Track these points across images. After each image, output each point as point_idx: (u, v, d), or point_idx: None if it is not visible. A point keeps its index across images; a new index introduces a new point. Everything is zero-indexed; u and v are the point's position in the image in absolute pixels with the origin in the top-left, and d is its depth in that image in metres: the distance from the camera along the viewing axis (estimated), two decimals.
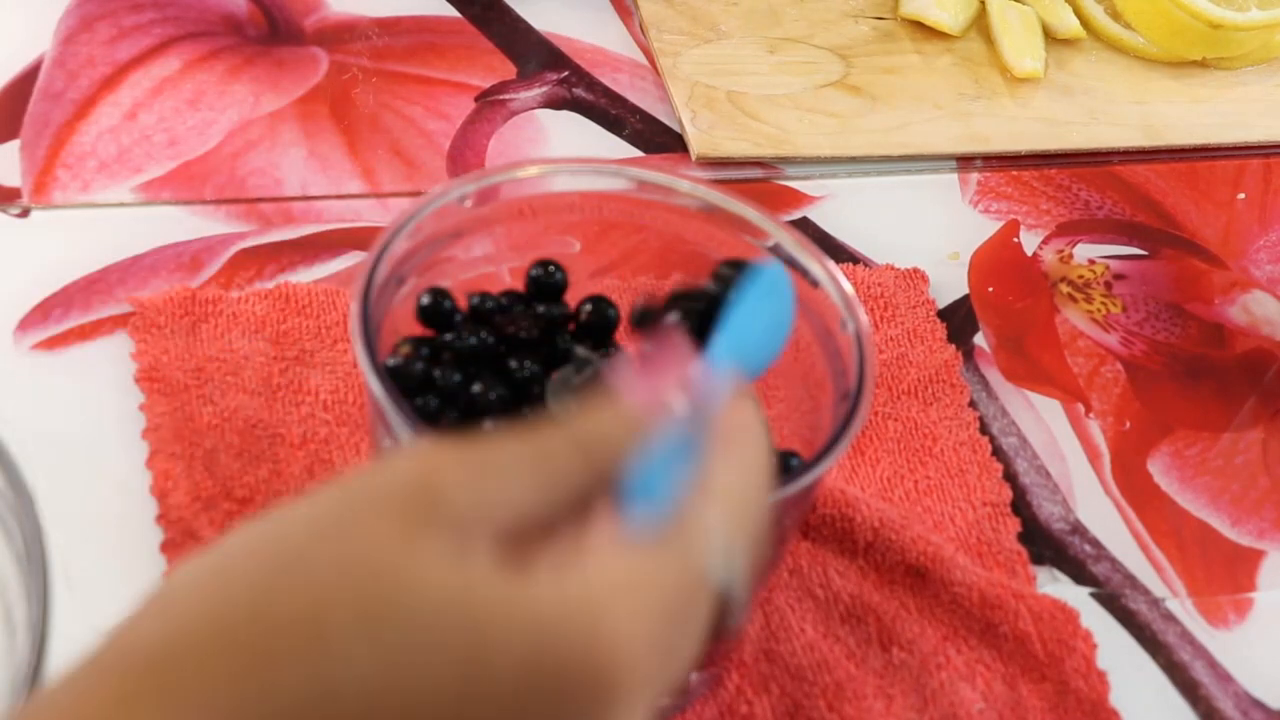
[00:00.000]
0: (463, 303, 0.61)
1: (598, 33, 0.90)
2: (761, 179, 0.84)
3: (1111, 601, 0.69)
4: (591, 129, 0.85)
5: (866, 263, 0.80)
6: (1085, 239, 0.83)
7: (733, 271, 0.54)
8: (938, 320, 0.78)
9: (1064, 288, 0.81)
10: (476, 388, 0.58)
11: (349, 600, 0.39)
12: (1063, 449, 0.74)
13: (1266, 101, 0.91)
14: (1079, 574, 0.70)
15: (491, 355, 0.59)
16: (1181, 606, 0.69)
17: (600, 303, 0.61)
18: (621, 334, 0.62)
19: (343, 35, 0.88)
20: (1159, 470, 0.74)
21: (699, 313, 0.52)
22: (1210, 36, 0.91)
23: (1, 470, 0.57)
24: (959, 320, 0.78)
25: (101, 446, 0.68)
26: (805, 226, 0.81)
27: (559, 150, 0.83)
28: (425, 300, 0.60)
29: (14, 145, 0.79)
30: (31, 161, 0.79)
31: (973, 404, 0.75)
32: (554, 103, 0.86)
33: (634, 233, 0.64)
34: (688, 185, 0.63)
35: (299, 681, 0.38)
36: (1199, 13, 0.90)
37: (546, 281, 0.62)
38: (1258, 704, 0.67)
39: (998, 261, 0.82)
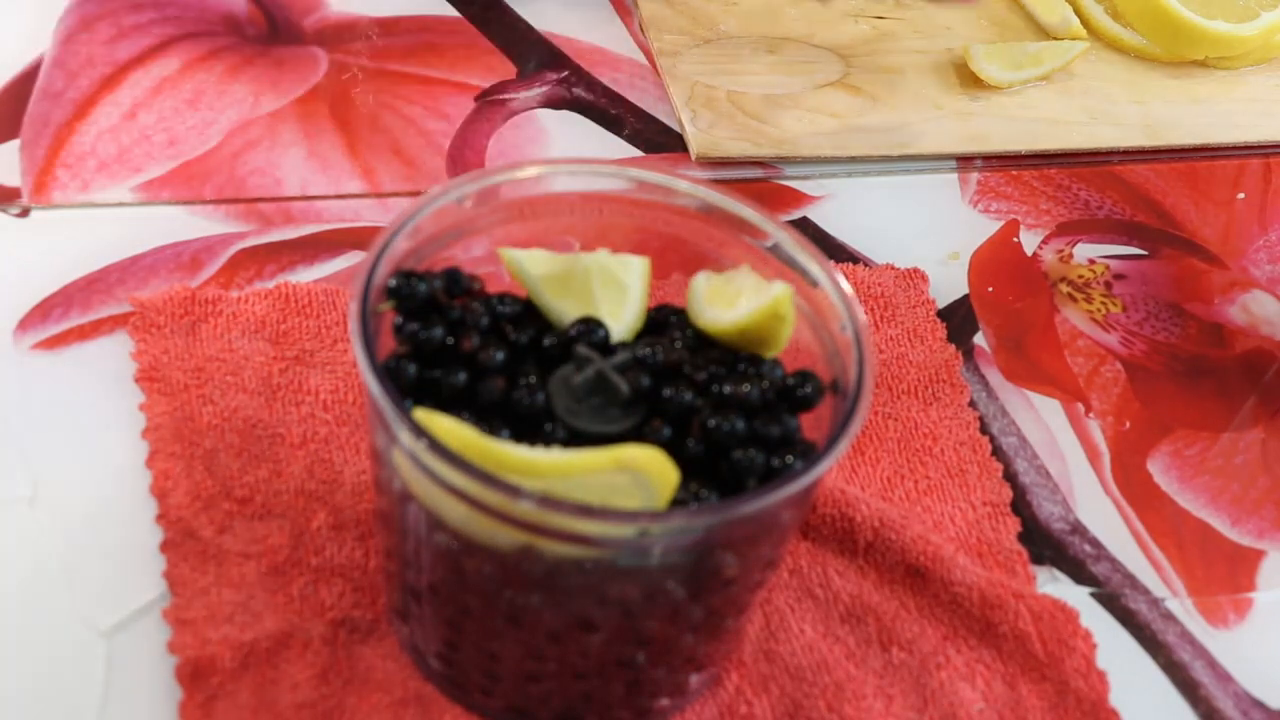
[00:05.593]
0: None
1: (598, 33, 0.90)
2: (761, 179, 0.84)
3: (1111, 601, 0.69)
4: (591, 129, 0.85)
5: (866, 263, 0.80)
6: (1085, 239, 0.83)
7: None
8: (938, 320, 0.78)
9: (1064, 288, 0.81)
10: (480, 385, 0.58)
11: None
12: (1063, 449, 0.74)
13: (1266, 101, 0.91)
14: (1079, 574, 0.70)
15: (494, 366, 0.59)
16: (1181, 606, 0.69)
17: (590, 324, 0.60)
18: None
19: (343, 35, 0.88)
20: (1159, 470, 0.74)
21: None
22: (1211, 37, 0.91)
23: None
24: (959, 320, 0.78)
25: (101, 447, 0.68)
26: (805, 226, 0.81)
27: (559, 150, 0.83)
28: (394, 283, 0.59)
29: (14, 145, 0.79)
30: (31, 161, 0.79)
31: (973, 404, 0.75)
32: (554, 103, 0.86)
33: (634, 233, 0.64)
34: (687, 185, 0.63)
35: None
36: (1199, 26, 0.90)
37: None
38: (1258, 704, 0.67)
39: (998, 261, 0.82)
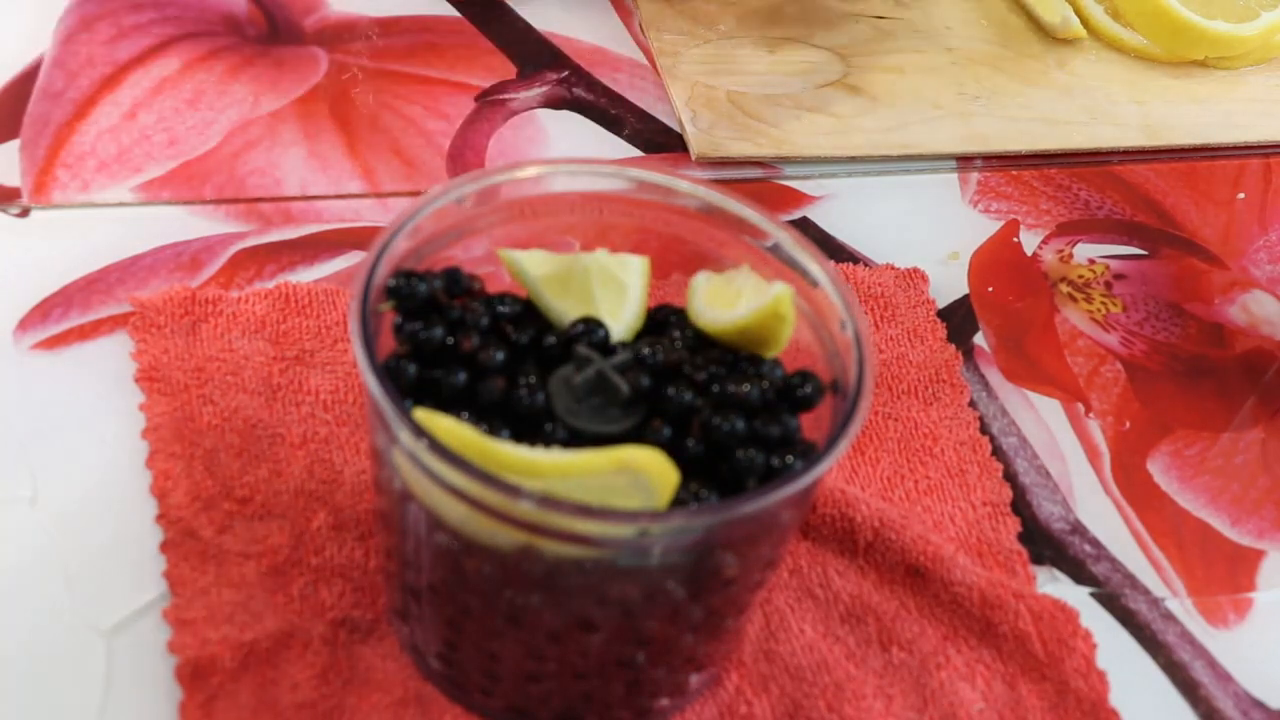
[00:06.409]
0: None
1: (598, 33, 0.90)
2: (761, 179, 0.84)
3: (1111, 601, 0.69)
4: (591, 129, 0.85)
5: (866, 263, 0.80)
6: (1085, 239, 0.83)
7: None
8: (938, 320, 0.78)
9: (1064, 287, 0.81)
10: (480, 385, 0.58)
11: None
12: (1063, 449, 0.74)
13: (1266, 101, 0.91)
14: (1079, 574, 0.70)
15: (492, 365, 0.59)
16: (1181, 606, 0.69)
17: (590, 324, 0.60)
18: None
19: (343, 35, 0.88)
20: (1159, 470, 0.74)
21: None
22: (1211, 37, 0.91)
23: None
24: (959, 320, 0.78)
25: (101, 446, 0.68)
26: (805, 226, 0.81)
27: (559, 150, 0.83)
28: (394, 283, 0.59)
29: (14, 145, 0.79)
30: (31, 161, 0.79)
31: (973, 404, 0.75)
32: (554, 103, 0.86)
33: (634, 233, 0.64)
34: (687, 185, 0.63)
35: None
36: (1198, 25, 0.90)
37: None
38: (1258, 704, 0.67)
39: (998, 261, 0.82)
